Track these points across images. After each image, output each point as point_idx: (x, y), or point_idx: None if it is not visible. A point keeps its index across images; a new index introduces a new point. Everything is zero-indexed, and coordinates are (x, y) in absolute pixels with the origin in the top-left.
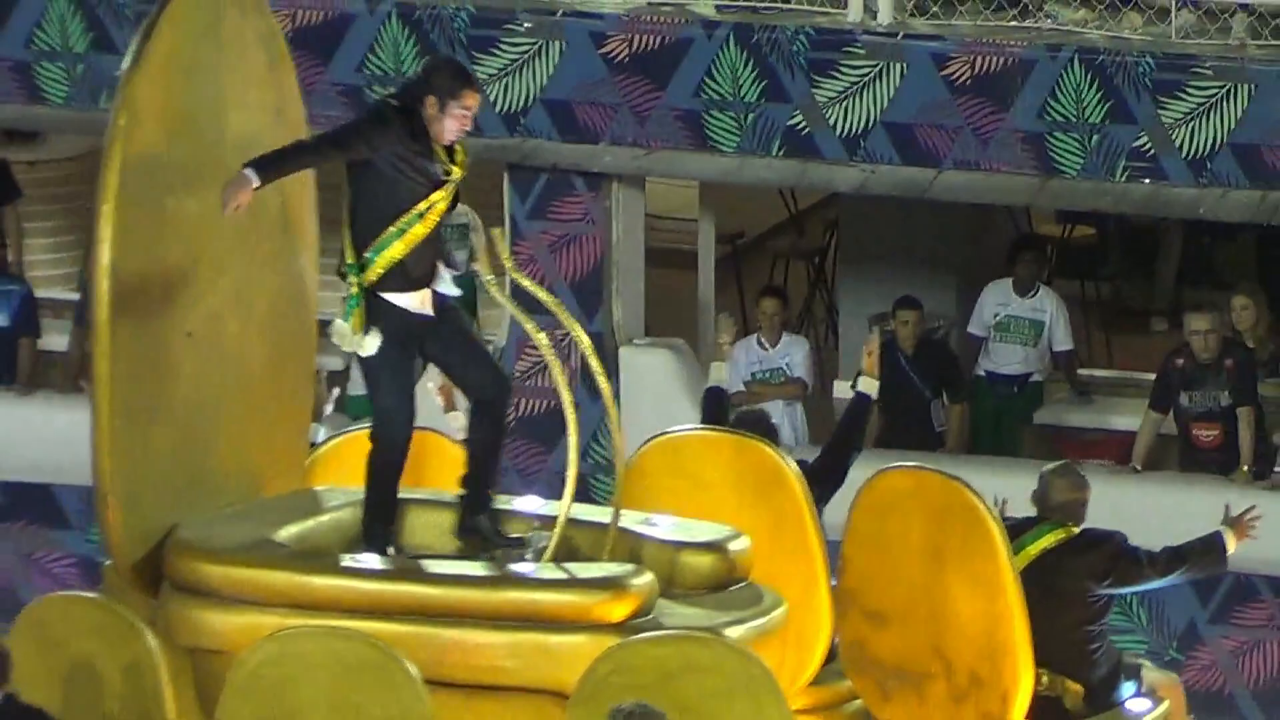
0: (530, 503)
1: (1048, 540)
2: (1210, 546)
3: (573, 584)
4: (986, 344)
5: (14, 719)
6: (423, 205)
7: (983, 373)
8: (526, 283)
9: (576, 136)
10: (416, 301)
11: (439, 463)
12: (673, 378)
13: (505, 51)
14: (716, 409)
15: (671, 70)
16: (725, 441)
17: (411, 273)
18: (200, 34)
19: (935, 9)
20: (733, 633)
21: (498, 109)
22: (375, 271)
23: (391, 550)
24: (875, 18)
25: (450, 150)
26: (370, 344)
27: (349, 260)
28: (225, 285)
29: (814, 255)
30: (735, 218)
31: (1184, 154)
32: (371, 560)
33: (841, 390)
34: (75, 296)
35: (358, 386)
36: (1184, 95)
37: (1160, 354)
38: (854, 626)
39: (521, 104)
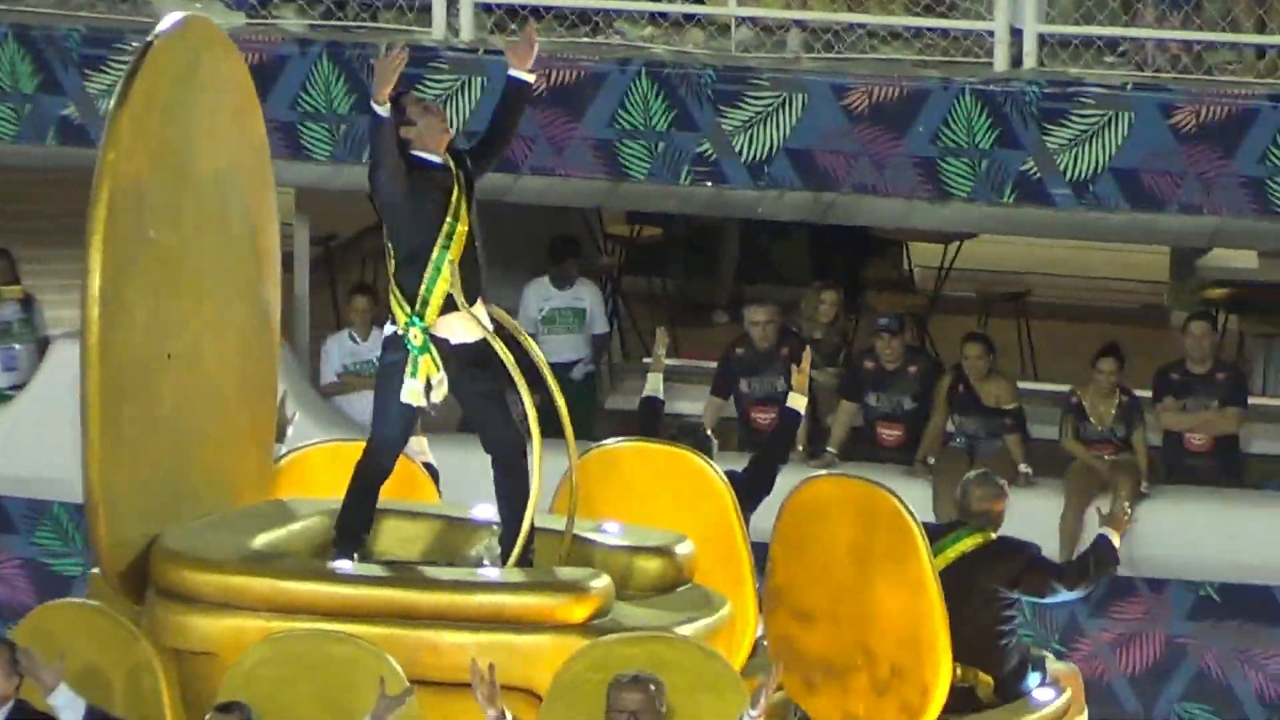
0: (485, 510)
1: (965, 544)
2: (1104, 551)
3: (536, 587)
4: (536, 338)
5: None
6: (448, 223)
7: None
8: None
9: None
10: (464, 328)
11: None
12: None
13: (114, 68)
14: (649, 415)
15: (269, 85)
16: (658, 452)
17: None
18: (179, 76)
19: (513, 26)
20: (686, 630)
21: None
22: (434, 311)
23: (358, 557)
24: (457, 35)
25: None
26: (443, 388)
27: (404, 315)
28: (203, 311)
29: None
30: (328, 221)
31: (743, 159)
32: (348, 566)
33: None
34: None
35: None
36: (743, 105)
37: (722, 344)
38: (781, 623)
39: None
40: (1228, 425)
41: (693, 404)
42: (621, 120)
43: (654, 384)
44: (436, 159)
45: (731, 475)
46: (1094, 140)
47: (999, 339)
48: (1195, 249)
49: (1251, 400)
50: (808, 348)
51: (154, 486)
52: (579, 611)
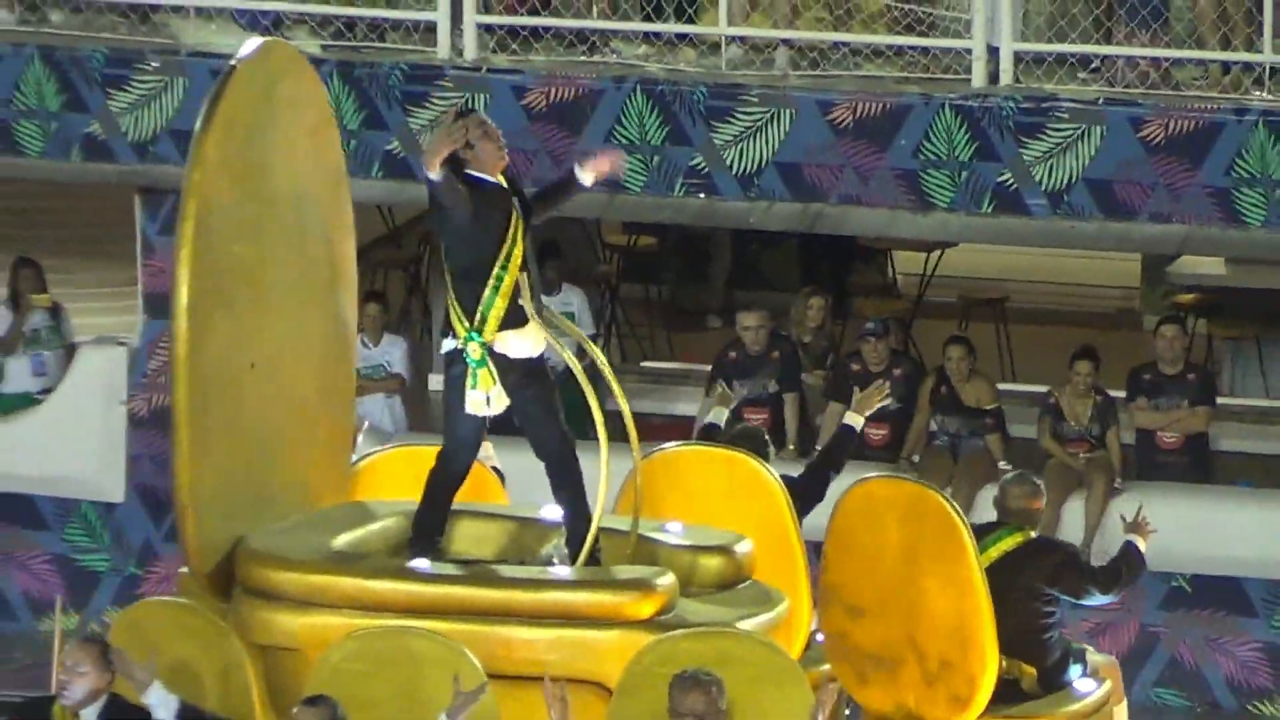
0: (553, 511)
1: (1006, 543)
2: (1132, 557)
3: (605, 585)
4: None
5: (120, 718)
6: (506, 245)
7: None
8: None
9: None
10: (522, 343)
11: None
12: None
13: (136, 87)
14: (706, 438)
15: None
16: (717, 455)
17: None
18: (259, 98)
19: (515, 46)
20: (747, 625)
21: (129, 139)
22: (492, 327)
23: (434, 557)
24: (461, 54)
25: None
26: (502, 400)
27: (464, 330)
28: (283, 321)
29: (410, 264)
30: None
31: (734, 171)
32: (425, 565)
33: (436, 383)
34: None
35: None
36: (734, 119)
37: (715, 348)
38: (835, 619)
39: (151, 134)
40: (1198, 424)
41: (689, 405)
42: (618, 135)
43: (716, 415)
44: (493, 179)
45: (787, 480)
46: (1068, 153)
47: (979, 342)
48: (1165, 256)
49: (1220, 400)
50: (884, 383)
51: (238, 490)
52: (646, 608)
